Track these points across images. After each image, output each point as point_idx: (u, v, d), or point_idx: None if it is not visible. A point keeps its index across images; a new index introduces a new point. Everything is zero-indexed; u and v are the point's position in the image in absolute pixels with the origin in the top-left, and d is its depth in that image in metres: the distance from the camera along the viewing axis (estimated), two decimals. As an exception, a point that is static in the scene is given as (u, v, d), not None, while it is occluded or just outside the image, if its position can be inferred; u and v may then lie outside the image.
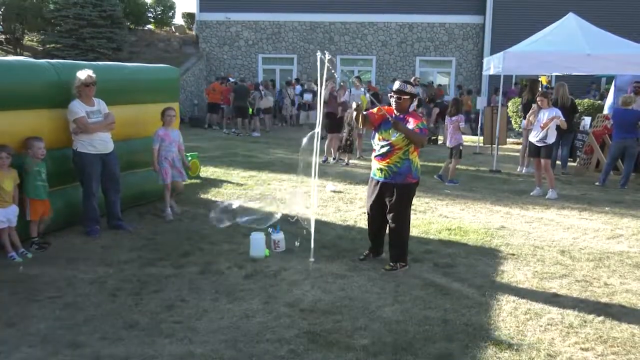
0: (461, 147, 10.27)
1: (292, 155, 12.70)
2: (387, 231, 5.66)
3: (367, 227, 5.88)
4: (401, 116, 5.42)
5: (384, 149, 5.40)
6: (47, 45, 22.93)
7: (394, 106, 5.49)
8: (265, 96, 19.36)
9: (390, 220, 5.51)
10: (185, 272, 5.31)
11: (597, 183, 10.29)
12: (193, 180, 9.79)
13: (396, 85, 5.50)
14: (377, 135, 5.53)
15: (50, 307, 4.46)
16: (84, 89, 6.20)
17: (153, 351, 3.78)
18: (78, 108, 6.17)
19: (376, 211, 5.62)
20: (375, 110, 5.57)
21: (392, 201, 5.44)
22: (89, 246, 6.05)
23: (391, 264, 5.50)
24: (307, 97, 19.68)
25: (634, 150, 10.20)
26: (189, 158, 10.05)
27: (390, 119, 5.32)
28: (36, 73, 6.15)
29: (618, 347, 3.98)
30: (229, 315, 4.37)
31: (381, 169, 5.46)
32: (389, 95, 5.61)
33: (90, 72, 6.23)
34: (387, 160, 5.39)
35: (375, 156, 5.53)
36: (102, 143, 6.37)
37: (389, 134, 5.38)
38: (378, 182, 5.52)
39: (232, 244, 6.21)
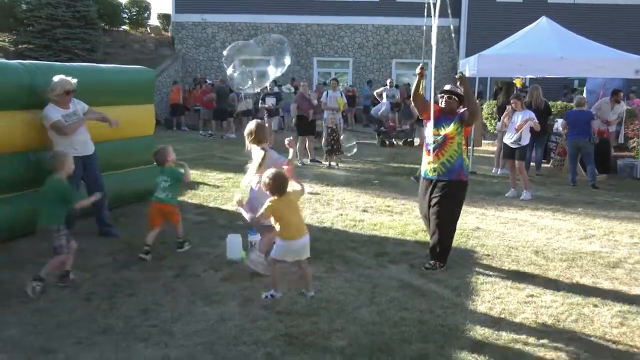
0: None
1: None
2: (433, 228, 5.60)
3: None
4: (451, 115, 5.58)
5: (439, 138, 5.52)
6: (20, 46, 22.54)
7: (443, 105, 5.63)
8: (245, 99, 19.27)
9: (436, 217, 5.50)
10: (161, 275, 5.26)
11: (571, 184, 10.47)
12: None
13: (447, 86, 5.71)
14: (432, 130, 5.61)
15: (22, 312, 4.38)
16: (65, 96, 6.08)
17: (128, 356, 3.74)
18: (53, 112, 6.01)
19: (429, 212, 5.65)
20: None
21: (442, 197, 5.45)
22: (62, 250, 5.95)
23: (431, 262, 5.57)
24: (270, 100, 15.41)
25: (588, 149, 10.49)
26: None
27: (460, 73, 5.52)
28: (7, 74, 6.04)
29: (591, 345, 4.05)
30: (205, 318, 4.35)
31: (435, 168, 5.55)
32: (439, 95, 5.77)
33: (73, 80, 6.10)
34: (441, 153, 5.49)
35: (428, 150, 5.61)
36: (83, 145, 6.28)
37: (443, 129, 5.52)
38: (431, 181, 5.59)
39: (208, 246, 6.17)
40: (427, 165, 5.65)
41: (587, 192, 9.95)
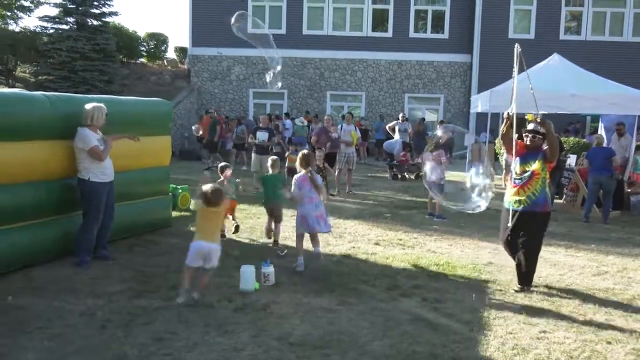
0: (442, 182, 10.37)
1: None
2: (518, 256, 6.11)
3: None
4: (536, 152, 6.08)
5: (525, 174, 6.02)
6: (40, 77, 23.05)
7: (528, 143, 6.12)
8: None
9: (523, 246, 6.01)
10: (175, 304, 5.31)
11: (583, 219, 10.44)
12: (183, 213, 9.82)
13: (531, 126, 6.16)
14: (518, 166, 6.14)
15: (39, 338, 4.45)
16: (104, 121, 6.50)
17: (142, 384, 3.78)
18: (92, 136, 6.33)
19: (514, 240, 6.14)
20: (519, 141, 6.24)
21: (530, 228, 5.97)
22: (78, 277, 6.05)
23: (519, 286, 6.08)
24: (262, 136, 13.67)
25: (610, 186, 10.54)
26: (180, 191, 10.12)
27: (540, 115, 6.07)
28: (32, 105, 6.22)
29: (604, 382, 4.03)
30: (218, 348, 4.38)
31: (520, 200, 6.02)
32: (524, 134, 6.22)
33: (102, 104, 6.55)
34: (528, 187, 5.98)
35: (515, 185, 6.10)
36: (110, 171, 6.59)
37: (530, 165, 6.02)
38: (516, 212, 6.04)
39: (222, 277, 6.21)
40: (512, 197, 6.12)
41: (600, 228, 9.92)
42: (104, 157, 6.42)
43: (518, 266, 6.14)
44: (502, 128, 6.34)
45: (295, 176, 6.84)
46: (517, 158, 6.21)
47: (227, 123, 20.66)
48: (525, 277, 6.10)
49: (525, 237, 6.00)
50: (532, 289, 6.14)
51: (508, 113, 6.28)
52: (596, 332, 4.99)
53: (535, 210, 5.97)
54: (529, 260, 6.07)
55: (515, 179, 6.14)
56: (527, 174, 6.02)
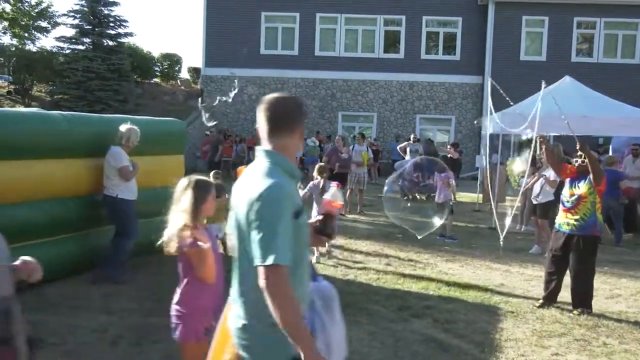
0: (451, 203, 10.39)
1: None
2: (571, 279, 6.21)
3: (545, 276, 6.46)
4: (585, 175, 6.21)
5: (573, 198, 6.17)
6: (56, 96, 23.40)
7: (577, 167, 6.30)
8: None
9: (575, 270, 6.11)
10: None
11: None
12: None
13: None
14: (567, 189, 6.32)
15: (51, 354, 4.47)
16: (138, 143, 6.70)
17: (153, 401, 3.80)
18: (123, 156, 6.53)
19: (560, 261, 6.26)
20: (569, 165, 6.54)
21: (580, 254, 6.08)
22: (91, 294, 6.10)
23: (579, 310, 6.03)
24: None
25: (618, 209, 10.46)
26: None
27: (580, 144, 6.18)
28: (48, 124, 6.34)
29: (617, 406, 3.99)
30: (229, 366, 4.39)
31: (568, 223, 6.18)
32: (573, 159, 6.53)
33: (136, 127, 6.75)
34: (575, 210, 6.11)
35: (564, 208, 6.25)
36: (136, 189, 6.80)
37: (578, 188, 6.16)
38: (564, 233, 6.19)
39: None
40: (562, 219, 6.27)
41: (612, 251, 9.85)
42: (131, 178, 6.61)
43: (572, 290, 6.17)
44: (541, 153, 6.48)
45: (311, 182, 8.19)
46: (567, 181, 6.37)
47: (236, 142, 20.87)
48: (582, 300, 6.09)
49: (576, 262, 6.10)
50: (544, 312, 6.11)
51: (541, 137, 6.68)
52: (609, 355, 4.95)
53: (583, 233, 6.07)
54: (583, 283, 6.09)
55: (565, 202, 6.26)
56: (574, 197, 6.14)
